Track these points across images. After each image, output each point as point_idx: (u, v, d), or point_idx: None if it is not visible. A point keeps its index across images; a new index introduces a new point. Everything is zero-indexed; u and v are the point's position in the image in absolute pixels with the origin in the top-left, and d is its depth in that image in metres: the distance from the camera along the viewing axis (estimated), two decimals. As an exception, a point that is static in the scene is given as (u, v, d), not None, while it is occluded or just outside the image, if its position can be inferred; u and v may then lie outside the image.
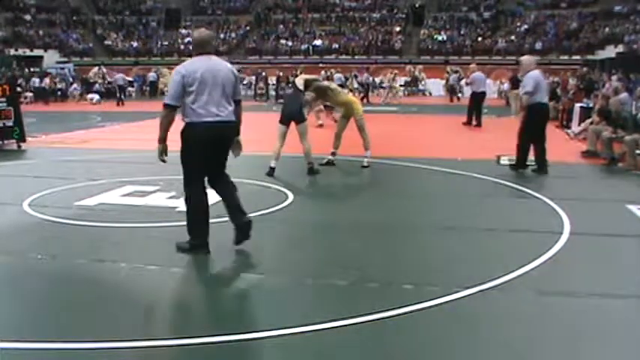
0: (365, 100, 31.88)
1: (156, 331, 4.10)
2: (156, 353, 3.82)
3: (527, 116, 10.39)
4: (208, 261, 5.62)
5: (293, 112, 9.95)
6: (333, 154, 11.05)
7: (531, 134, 10.35)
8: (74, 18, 50.89)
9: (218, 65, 5.48)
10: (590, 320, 4.41)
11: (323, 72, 27.88)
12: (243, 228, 5.73)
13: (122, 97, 32.23)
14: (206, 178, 5.69)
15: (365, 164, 10.83)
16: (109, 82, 36.68)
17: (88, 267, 5.49)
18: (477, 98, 19.26)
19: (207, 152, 5.46)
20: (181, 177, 5.66)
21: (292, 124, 10.00)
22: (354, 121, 10.91)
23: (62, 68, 40.35)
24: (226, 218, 6.99)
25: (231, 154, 5.83)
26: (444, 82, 36.54)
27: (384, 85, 34.70)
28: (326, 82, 11.16)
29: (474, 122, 18.92)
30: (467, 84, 19.78)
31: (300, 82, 10.34)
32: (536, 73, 10.47)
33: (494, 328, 4.31)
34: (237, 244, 5.77)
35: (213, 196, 8.06)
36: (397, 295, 4.72)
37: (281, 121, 10.03)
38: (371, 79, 35.28)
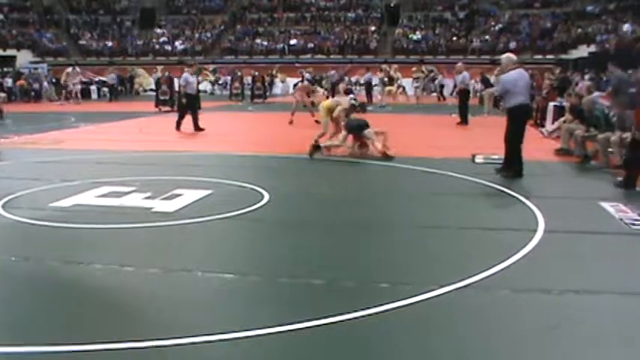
0: (369, 101, 31.27)
1: (132, 332, 4.07)
2: (131, 355, 3.80)
3: (508, 118, 10.02)
4: (184, 262, 5.60)
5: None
6: (316, 142, 12.16)
7: (517, 136, 9.89)
8: (47, 17, 50.27)
9: None
10: (564, 316, 4.45)
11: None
12: None
13: (114, 95, 34.04)
14: None
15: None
16: (84, 82, 36.31)
17: (63, 269, 5.44)
18: (466, 96, 20.38)
19: None
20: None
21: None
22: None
23: (36, 68, 39.81)
24: (200, 219, 7.04)
25: None
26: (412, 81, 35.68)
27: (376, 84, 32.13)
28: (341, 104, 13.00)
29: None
30: (462, 84, 20.54)
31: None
32: (511, 75, 9.91)
33: (470, 326, 4.34)
34: None
35: (191, 196, 8.11)
36: (373, 294, 4.74)
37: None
38: (373, 78, 32.77)
